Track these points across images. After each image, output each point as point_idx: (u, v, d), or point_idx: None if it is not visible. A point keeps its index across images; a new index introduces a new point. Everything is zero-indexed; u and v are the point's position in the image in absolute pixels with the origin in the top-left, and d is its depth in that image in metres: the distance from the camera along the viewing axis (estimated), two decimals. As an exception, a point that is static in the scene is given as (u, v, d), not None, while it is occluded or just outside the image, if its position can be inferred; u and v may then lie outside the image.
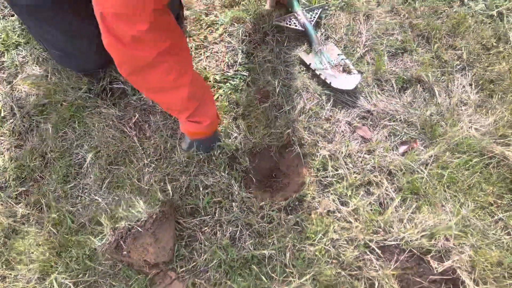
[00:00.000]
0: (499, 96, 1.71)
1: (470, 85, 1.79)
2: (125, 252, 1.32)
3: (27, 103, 1.73)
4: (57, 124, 1.67)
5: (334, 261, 1.45)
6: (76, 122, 1.69)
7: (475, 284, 1.36)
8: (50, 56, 1.78)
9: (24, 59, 1.85)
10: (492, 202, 1.54)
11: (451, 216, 1.49)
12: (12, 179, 1.58)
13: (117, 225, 1.36)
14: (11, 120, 1.69)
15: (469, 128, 1.65)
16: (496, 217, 1.50)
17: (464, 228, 1.46)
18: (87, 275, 1.43)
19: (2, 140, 1.67)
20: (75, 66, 1.69)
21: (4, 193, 1.55)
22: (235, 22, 1.95)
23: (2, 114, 1.70)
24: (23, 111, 1.70)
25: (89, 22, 1.34)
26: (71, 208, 1.53)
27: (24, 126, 1.69)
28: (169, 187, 1.50)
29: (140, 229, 1.31)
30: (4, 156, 1.63)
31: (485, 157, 1.60)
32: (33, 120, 1.70)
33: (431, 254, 1.44)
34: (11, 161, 1.62)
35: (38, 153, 1.63)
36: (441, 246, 1.43)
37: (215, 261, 1.45)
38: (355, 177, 1.58)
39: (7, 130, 1.68)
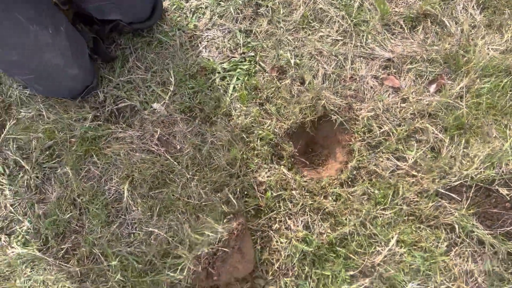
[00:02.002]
0: (509, 12, 1.71)
1: (472, 7, 1.77)
2: (215, 277, 1.23)
3: (30, 151, 1.52)
4: (74, 164, 1.49)
5: (410, 218, 1.44)
6: (94, 156, 1.52)
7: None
8: (32, 90, 1.55)
9: (3, 104, 1.61)
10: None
11: (502, 141, 1.51)
12: (51, 238, 1.41)
13: (198, 253, 1.26)
14: (21, 175, 1.48)
15: (488, 50, 1.65)
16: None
17: (519, 149, 1.48)
18: (175, 311, 1.34)
19: (20, 200, 1.47)
20: (62, 93, 1.48)
21: (48, 256, 1.39)
22: (221, 1, 1.79)
23: (7, 172, 1.48)
24: (30, 161, 1.50)
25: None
26: (129, 249, 1.40)
27: (38, 177, 1.49)
28: (231, 197, 1.40)
29: (227, 250, 1.22)
30: (30, 216, 1.44)
31: (512, 74, 1.61)
32: (45, 168, 1.51)
33: (496, 183, 1.46)
34: (40, 220, 1.44)
35: (67, 202, 1.46)
36: (504, 172, 1.46)
37: (298, 255, 1.40)
38: (401, 129, 1.55)
39: (20, 187, 1.47)
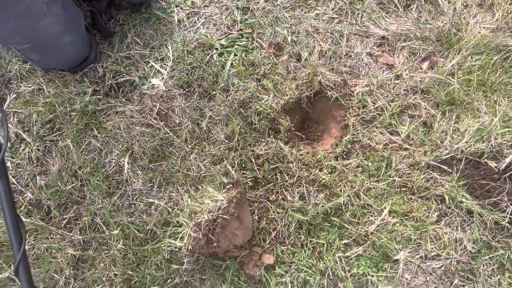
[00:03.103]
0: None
1: (465, -14, 1.81)
2: (215, 244, 1.27)
3: (31, 124, 1.54)
4: (75, 137, 1.52)
5: (403, 189, 1.49)
6: (95, 129, 1.54)
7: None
8: (30, 61, 1.56)
9: (2, 78, 1.62)
10: (521, 93, 1.63)
11: (491, 116, 1.56)
12: (53, 209, 1.44)
13: (198, 220, 1.30)
14: (22, 148, 1.51)
15: (479, 28, 1.70)
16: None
17: (507, 123, 1.53)
18: (175, 279, 1.38)
19: (21, 172, 1.50)
20: (59, 62, 1.48)
21: (51, 225, 1.42)
22: (218, -22, 1.80)
23: (8, 145, 1.51)
24: (31, 134, 1.52)
25: None
26: (130, 219, 1.43)
27: (39, 150, 1.52)
28: (230, 168, 1.44)
29: (226, 217, 1.26)
30: (32, 188, 1.47)
31: (503, 52, 1.66)
32: (46, 140, 1.53)
33: (485, 156, 1.51)
34: (42, 191, 1.47)
35: (68, 174, 1.49)
36: (493, 145, 1.51)
37: (294, 224, 1.45)
38: (394, 105, 1.59)
39: (22, 159, 1.50)
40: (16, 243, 0.93)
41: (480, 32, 1.67)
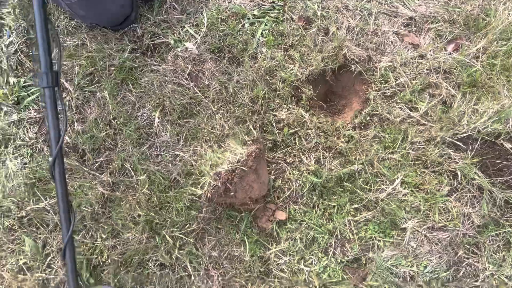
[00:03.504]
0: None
1: (498, -27, 1.83)
2: (232, 193, 1.37)
3: (73, 75, 1.67)
4: (112, 90, 1.64)
5: (416, 162, 1.55)
6: (130, 84, 1.66)
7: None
8: (77, 17, 1.69)
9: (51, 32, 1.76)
10: (544, 80, 1.65)
11: (511, 99, 1.58)
12: (87, 152, 1.57)
13: (219, 170, 1.40)
14: (64, 96, 1.64)
15: (508, 15, 1.72)
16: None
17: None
18: (193, 224, 1.49)
19: (61, 117, 1.63)
20: (103, 19, 1.61)
21: (85, 167, 1.55)
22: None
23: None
24: (73, 84, 1.65)
25: None
26: (156, 167, 1.55)
27: (78, 99, 1.65)
28: (251, 127, 1.53)
29: (244, 169, 1.35)
30: (70, 132, 1.61)
31: (530, 39, 1.68)
32: (85, 91, 1.67)
33: (502, 137, 1.54)
34: (79, 135, 1.60)
35: (103, 122, 1.62)
36: (510, 127, 1.54)
37: (308, 186, 1.53)
38: (416, 82, 1.64)
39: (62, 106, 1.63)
40: (65, 228, 1.08)
41: (508, 19, 1.69)
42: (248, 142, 1.47)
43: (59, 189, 1.17)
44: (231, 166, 1.36)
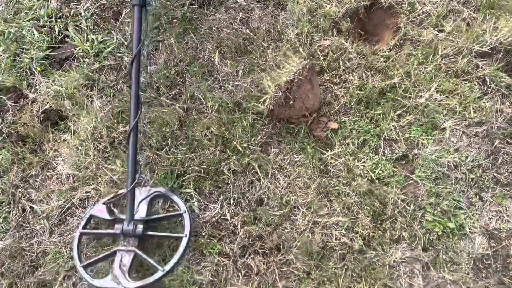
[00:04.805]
0: None
1: None
2: (291, 102, 1.60)
3: (144, 28, 1.95)
4: (177, 37, 1.92)
5: (448, 72, 1.76)
6: (191, 33, 1.94)
7: None
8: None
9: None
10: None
11: (528, 14, 1.80)
12: (162, 87, 1.83)
13: (278, 82, 1.63)
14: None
15: None
16: None
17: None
18: (258, 137, 1.72)
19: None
20: None
21: (162, 97, 1.81)
22: None
23: (126, 43, 1.93)
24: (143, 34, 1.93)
25: None
26: (221, 95, 1.79)
27: (148, 47, 1.92)
28: (301, 49, 1.78)
29: (301, 78, 1.59)
30: (144, 75, 1.87)
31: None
32: (154, 41, 1.94)
33: (522, 45, 1.75)
34: (152, 75, 1.86)
35: (172, 64, 1.88)
36: (529, 36, 1.75)
37: (354, 99, 1.75)
38: (439, 9, 1.87)
39: (136, 54, 1.91)
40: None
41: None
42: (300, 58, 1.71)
43: (134, 86, 1.49)
44: (290, 77, 1.60)
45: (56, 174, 1.75)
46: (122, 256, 1.48)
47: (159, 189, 1.62)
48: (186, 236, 1.52)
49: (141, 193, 1.61)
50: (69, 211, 1.69)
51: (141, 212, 1.57)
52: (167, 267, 1.45)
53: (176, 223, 1.61)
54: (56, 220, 1.67)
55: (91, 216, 1.61)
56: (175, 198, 1.62)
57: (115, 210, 1.53)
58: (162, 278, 1.44)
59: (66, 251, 1.61)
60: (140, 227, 1.50)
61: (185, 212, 1.57)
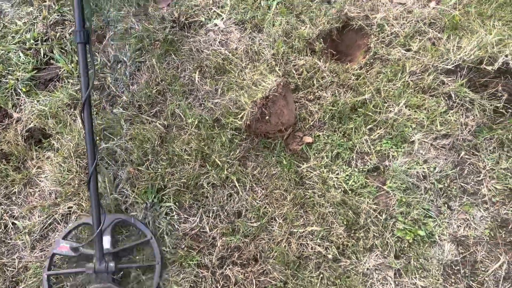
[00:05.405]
0: None
1: None
2: (267, 117, 1.68)
3: (127, 50, 2.04)
4: (159, 58, 2.00)
5: (416, 88, 1.87)
6: (172, 54, 2.03)
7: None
8: None
9: (104, 22, 2.15)
10: (512, 18, 2.00)
11: (487, 34, 1.93)
12: (144, 105, 1.90)
13: (255, 99, 1.71)
14: (119, 67, 2.00)
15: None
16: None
17: (500, 38, 1.89)
18: (236, 151, 1.79)
19: (119, 83, 1.98)
20: None
21: (144, 115, 1.88)
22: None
23: (109, 64, 2.01)
24: (126, 57, 2.02)
25: None
26: (201, 112, 1.87)
27: (131, 68, 2.00)
28: (276, 69, 1.87)
29: (276, 94, 1.68)
30: (126, 93, 1.95)
31: (497, -11, 2.05)
32: (136, 62, 2.02)
33: (484, 62, 1.87)
34: (134, 94, 1.94)
35: (153, 83, 1.96)
36: (489, 53, 1.87)
37: (328, 115, 1.84)
38: (406, 30, 2.00)
39: (118, 74, 1.99)
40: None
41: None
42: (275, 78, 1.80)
43: (87, 127, 1.49)
44: (265, 94, 1.68)
45: (39, 191, 1.79)
46: None
47: (120, 216, 1.65)
48: (158, 263, 1.57)
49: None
50: (51, 226, 1.72)
51: (105, 243, 1.57)
52: None
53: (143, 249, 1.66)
54: (38, 236, 1.70)
55: (53, 255, 1.61)
56: (139, 224, 1.65)
57: (77, 245, 1.55)
58: None
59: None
60: (111, 263, 1.51)
61: (151, 238, 1.61)
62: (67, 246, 1.56)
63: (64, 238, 1.61)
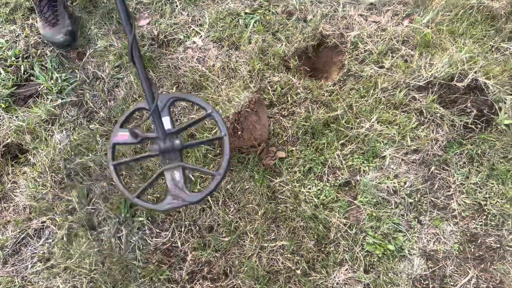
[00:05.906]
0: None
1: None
2: (239, 132, 1.71)
3: (106, 67, 2.08)
4: (136, 75, 2.04)
5: (388, 104, 1.90)
6: (150, 70, 2.06)
7: (490, 81, 1.86)
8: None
9: (84, 39, 2.20)
10: (482, 36, 2.05)
11: (458, 51, 1.97)
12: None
13: (227, 114, 1.74)
14: (97, 83, 2.04)
15: (448, -7, 2.16)
16: (488, 44, 2.01)
17: (470, 55, 1.94)
18: (210, 166, 1.81)
19: (97, 99, 2.01)
20: None
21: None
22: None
23: (88, 81, 2.04)
24: (105, 73, 2.05)
25: None
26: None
27: (109, 84, 2.04)
28: (251, 85, 1.90)
29: (248, 109, 1.71)
30: (104, 109, 1.98)
31: (467, 8, 2.10)
32: (114, 78, 2.06)
33: (455, 79, 1.91)
34: (111, 110, 1.97)
35: (130, 99, 1.99)
36: (460, 70, 1.91)
37: (301, 130, 1.87)
38: (379, 48, 2.04)
39: (97, 91, 2.02)
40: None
41: (448, -5, 2.13)
42: (249, 92, 1.83)
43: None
44: (237, 109, 1.71)
45: (13, 205, 1.80)
46: (172, 174, 1.38)
47: (175, 94, 1.53)
48: (225, 135, 1.44)
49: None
50: (24, 241, 1.73)
51: (165, 124, 1.44)
52: (221, 170, 1.37)
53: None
54: (10, 251, 1.71)
55: (114, 145, 1.47)
56: (195, 99, 1.53)
57: (137, 131, 1.41)
58: (221, 182, 1.37)
59: (18, 281, 1.64)
60: (177, 140, 1.40)
61: (212, 112, 1.48)
62: (126, 133, 1.43)
63: (121, 126, 1.49)
